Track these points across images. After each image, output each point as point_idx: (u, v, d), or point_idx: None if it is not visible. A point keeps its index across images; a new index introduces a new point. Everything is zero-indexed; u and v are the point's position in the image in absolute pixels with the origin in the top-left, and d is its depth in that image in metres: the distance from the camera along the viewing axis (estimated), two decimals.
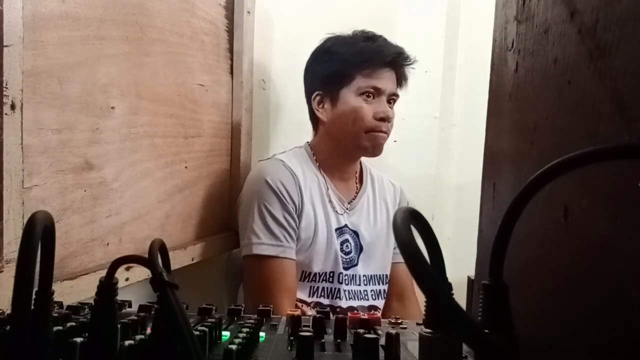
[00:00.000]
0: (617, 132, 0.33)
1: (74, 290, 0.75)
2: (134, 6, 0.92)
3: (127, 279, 0.85)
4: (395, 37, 1.34)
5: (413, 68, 1.31)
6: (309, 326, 0.49)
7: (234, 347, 0.38)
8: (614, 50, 0.34)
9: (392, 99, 1.29)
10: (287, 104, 1.39)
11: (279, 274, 1.16)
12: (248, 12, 1.34)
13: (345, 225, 1.28)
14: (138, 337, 0.38)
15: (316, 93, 1.29)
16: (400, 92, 1.31)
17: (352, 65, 1.24)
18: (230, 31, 1.32)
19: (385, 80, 1.26)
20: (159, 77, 1.01)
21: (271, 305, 0.58)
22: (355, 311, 0.75)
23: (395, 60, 1.27)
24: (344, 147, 1.29)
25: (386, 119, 1.25)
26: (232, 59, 1.33)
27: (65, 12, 0.76)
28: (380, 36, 1.29)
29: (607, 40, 0.34)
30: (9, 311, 0.34)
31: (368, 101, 1.24)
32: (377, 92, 1.25)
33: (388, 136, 1.28)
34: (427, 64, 1.83)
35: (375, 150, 1.27)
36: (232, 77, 1.33)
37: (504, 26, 0.53)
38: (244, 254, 1.20)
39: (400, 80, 1.31)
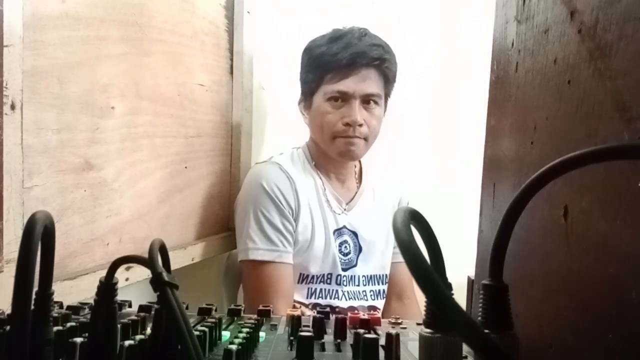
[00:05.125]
0: (617, 132, 0.33)
1: (74, 290, 0.75)
2: (134, 6, 0.92)
3: (127, 279, 0.85)
4: (395, 37, 1.33)
5: (391, 62, 1.22)
6: (309, 326, 0.49)
7: (234, 347, 0.38)
8: (614, 50, 0.34)
9: (370, 99, 1.21)
10: (287, 104, 1.39)
11: (276, 279, 1.16)
12: (248, 12, 1.34)
13: (344, 226, 1.28)
14: (138, 337, 0.38)
15: (300, 98, 1.30)
16: (389, 88, 1.26)
17: (317, 69, 1.21)
18: (230, 31, 1.32)
19: (354, 81, 1.18)
20: (159, 77, 1.01)
21: (271, 305, 0.58)
22: (356, 311, 0.75)
23: (358, 60, 1.17)
24: (327, 151, 1.27)
25: (352, 124, 1.18)
26: (232, 59, 1.33)
27: (65, 12, 0.76)
28: (354, 32, 1.20)
29: (607, 40, 0.34)
30: (9, 311, 0.34)
31: (336, 105, 1.19)
32: (344, 95, 1.19)
33: (366, 140, 1.22)
34: (426, 63, 1.84)
35: (347, 155, 1.23)
36: (232, 77, 1.33)
37: (504, 26, 0.53)
38: (241, 258, 1.20)
39: (385, 76, 1.23)
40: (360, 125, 1.19)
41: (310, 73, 1.23)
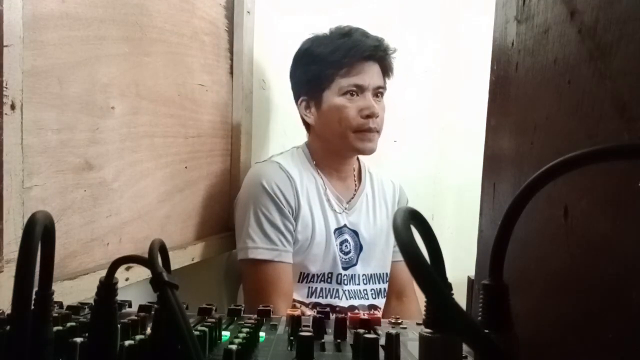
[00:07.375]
0: (617, 132, 0.33)
1: (74, 290, 0.75)
2: (134, 6, 0.92)
3: (127, 279, 0.85)
4: (395, 37, 1.33)
5: (394, 57, 1.28)
6: (309, 326, 0.49)
7: (234, 347, 0.38)
8: (614, 50, 0.34)
9: (378, 92, 1.26)
10: (287, 104, 1.39)
11: (275, 278, 1.16)
12: (248, 12, 1.34)
13: (345, 225, 1.28)
14: (138, 337, 0.38)
15: (301, 98, 1.28)
16: (388, 82, 1.29)
17: (329, 65, 1.22)
18: (230, 31, 1.32)
19: (367, 75, 1.23)
20: (159, 77, 1.01)
21: (271, 305, 0.58)
22: (356, 311, 0.75)
23: (373, 53, 1.23)
24: (336, 148, 1.28)
25: (372, 115, 1.21)
26: (232, 59, 1.33)
27: (65, 12, 0.76)
28: (358, 29, 1.26)
29: (607, 40, 0.34)
30: (9, 311, 0.34)
31: (352, 99, 1.22)
32: (359, 89, 1.22)
33: (379, 132, 1.25)
34: (426, 63, 1.84)
35: (366, 149, 1.25)
36: (232, 77, 1.33)
37: (504, 26, 0.53)
38: (240, 257, 1.20)
39: (386, 71, 1.28)
40: (377, 116, 1.23)
41: (318, 70, 1.23)
